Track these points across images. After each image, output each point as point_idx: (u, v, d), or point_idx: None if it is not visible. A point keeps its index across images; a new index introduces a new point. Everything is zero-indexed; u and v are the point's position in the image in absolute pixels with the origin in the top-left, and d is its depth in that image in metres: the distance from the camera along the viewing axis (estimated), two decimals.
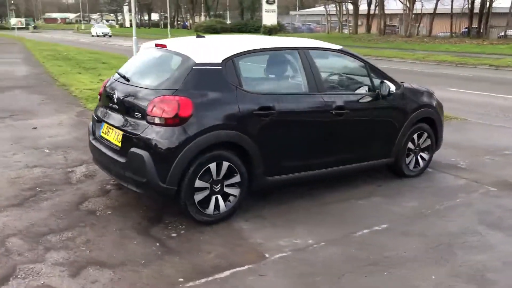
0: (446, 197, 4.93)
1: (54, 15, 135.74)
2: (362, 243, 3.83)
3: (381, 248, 3.73)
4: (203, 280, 3.18)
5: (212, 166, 3.94)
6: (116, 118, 4.20)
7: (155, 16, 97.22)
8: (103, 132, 4.37)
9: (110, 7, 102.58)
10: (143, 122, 3.88)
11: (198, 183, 3.90)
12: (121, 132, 4.03)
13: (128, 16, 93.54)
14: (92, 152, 4.62)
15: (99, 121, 4.50)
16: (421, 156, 5.56)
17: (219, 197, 4.05)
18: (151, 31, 68.92)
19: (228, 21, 66.39)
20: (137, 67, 4.51)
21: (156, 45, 4.51)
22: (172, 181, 3.79)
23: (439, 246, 3.81)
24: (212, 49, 4.23)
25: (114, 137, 4.14)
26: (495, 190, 5.15)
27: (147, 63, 4.52)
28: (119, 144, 4.05)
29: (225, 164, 4.00)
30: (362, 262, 3.50)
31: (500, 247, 3.83)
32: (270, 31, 47.24)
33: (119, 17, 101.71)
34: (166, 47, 4.36)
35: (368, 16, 42.58)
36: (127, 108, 4.09)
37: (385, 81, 4.90)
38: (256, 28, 53.48)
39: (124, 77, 4.34)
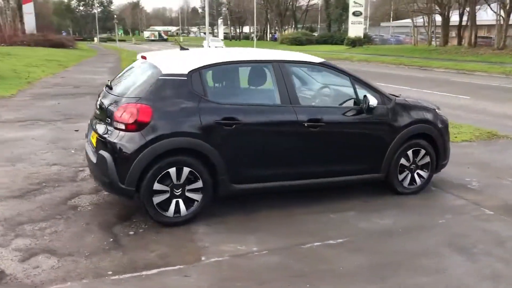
0: (429, 216, 4.74)
1: (157, 28, 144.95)
2: (305, 255, 3.84)
3: (320, 261, 3.73)
4: (128, 275, 3.42)
5: (172, 170, 4.18)
6: (97, 123, 4.61)
7: (247, 29, 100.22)
8: (91, 136, 4.81)
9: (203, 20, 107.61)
10: (111, 127, 4.23)
11: (157, 186, 4.16)
12: (96, 136, 4.43)
13: (222, 29, 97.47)
14: (86, 155, 5.09)
15: (90, 126, 4.95)
16: (418, 174, 5.36)
17: (180, 200, 4.28)
18: (239, 43, 71.13)
19: (316, 33, 66.59)
20: (123, 77, 4.90)
21: (142, 57, 4.87)
22: (130, 183, 4.09)
23: (386, 265, 3.72)
24: (182, 61, 4.49)
25: (94, 140, 4.55)
26: (492, 214, 4.84)
27: (130, 73, 4.89)
28: (95, 146, 4.45)
29: (186, 170, 4.22)
30: (291, 273, 3.53)
31: (452, 270, 3.65)
32: (354, 42, 46.68)
33: (215, 30, 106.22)
34: (146, 59, 4.71)
35: (460, 27, 40.34)
36: (104, 114, 4.48)
37: (367, 95, 4.83)
38: (341, 40, 53.11)
39: (109, 86, 4.75)
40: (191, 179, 4.27)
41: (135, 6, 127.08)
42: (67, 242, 3.92)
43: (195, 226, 4.30)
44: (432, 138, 5.33)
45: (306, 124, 4.59)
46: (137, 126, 4.08)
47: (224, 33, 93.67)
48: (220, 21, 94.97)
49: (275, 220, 4.51)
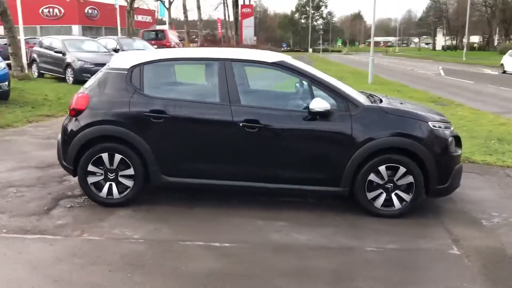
0: (360, 243, 4.05)
1: (378, 39, 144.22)
2: (172, 249, 3.83)
3: (177, 258, 3.68)
4: (13, 235, 3.98)
5: (104, 155, 4.59)
6: None
7: (474, 39, 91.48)
8: None
9: (420, 30, 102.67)
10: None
11: (91, 168, 4.62)
12: None
13: (441, 39, 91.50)
14: None
15: None
16: (397, 195, 4.59)
17: (113, 184, 4.66)
18: (447, 53, 65.79)
19: None
20: None
21: None
22: (69, 162, 4.66)
23: (234, 275, 3.45)
24: (131, 57, 4.85)
25: None
26: (471, 259, 3.83)
27: None
28: None
29: (118, 156, 4.59)
30: (133, 261, 3.59)
31: None
32: None
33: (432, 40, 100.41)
34: None
35: None
36: None
37: (316, 98, 4.40)
38: None
39: None
40: (123, 165, 4.61)
41: (356, 17, 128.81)
42: (12, 203, 4.70)
43: (121, 210, 4.61)
44: (417, 155, 4.49)
45: (241, 125, 4.45)
46: (75, 112, 4.64)
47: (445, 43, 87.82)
48: (439, 30, 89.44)
49: (191, 216, 4.51)
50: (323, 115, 4.44)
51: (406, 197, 4.60)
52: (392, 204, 4.60)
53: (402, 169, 4.53)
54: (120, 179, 4.65)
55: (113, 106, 4.59)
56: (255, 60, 4.75)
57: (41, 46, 16.82)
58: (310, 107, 4.37)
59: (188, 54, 4.98)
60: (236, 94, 4.55)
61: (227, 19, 55.47)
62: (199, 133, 4.56)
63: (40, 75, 16.67)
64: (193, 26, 51.04)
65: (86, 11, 45.14)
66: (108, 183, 4.66)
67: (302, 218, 4.54)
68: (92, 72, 14.27)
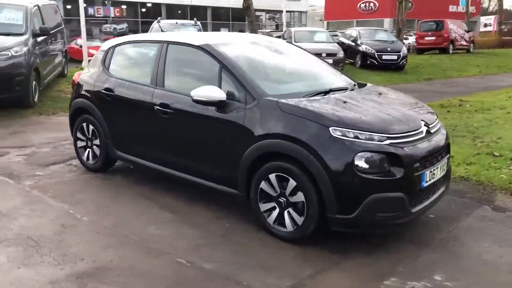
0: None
1: None
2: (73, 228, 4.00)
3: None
4: None
5: (85, 125, 5.26)
6: None
7: None
8: None
9: None
10: None
11: (78, 134, 5.37)
12: None
13: None
14: None
15: None
16: (289, 214, 3.69)
17: (90, 150, 5.31)
18: None
19: None
20: None
21: None
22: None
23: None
24: (113, 40, 5.30)
25: None
26: None
27: None
28: None
29: (91, 127, 5.21)
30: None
31: None
32: None
33: None
34: None
35: None
36: None
37: (205, 86, 3.93)
38: None
39: None
40: (95, 136, 5.20)
41: None
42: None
43: (87, 174, 5.28)
44: (304, 166, 3.48)
45: (155, 108, 4.41)
46: (73, 85, 5.49)
47: None
48: None
49: (121, 199, 4.61)
50: (217, 105, 3.93)
51: (298, 219, 3.62)
52: (284, 224, 3.70)
53: (292, 183, 3.59)
54: (94, 147, 5.28)
55: (87, 82, 5.24)
56: (183, 43, 4.52)
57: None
58: (191, 94, 3.96)
59: (147, 37, 5.13)
60: (162, 77, 4.49)
61: None
62: (132, 114, 4.74)
63: None
64: None
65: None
66: (87, 150, 5.37)
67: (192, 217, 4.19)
68: None
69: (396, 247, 3.68)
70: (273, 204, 3.75)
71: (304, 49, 5.16)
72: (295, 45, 5.61)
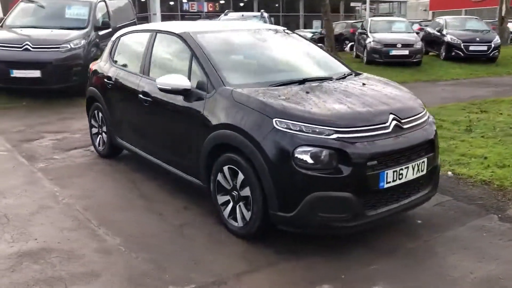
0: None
1: None
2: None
3: None
4: None
5: (96, 112, 5.50)
6: None
7: None
8: None
9: None
10: None
11: (92, 122, 5.66)
12: None
13: None
14: None
15: None
16: (240, 209, 3.53)
17: (101, 135, 5.52)
18: None
19: None
20: None
21: None
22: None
23: None
24: (124, 29, 5.41)
25: None
26: None
27: None
28: None
29: (100, 115, 5.44)
30: None
31: None
32: None
33: None
34: None
35: None
36: None
37: (170, 75, 3.88)
38: None
39: None
40: (103, 123, 5.42)
41: None
42: None
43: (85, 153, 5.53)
44: (251, 160, 3.30)
45: (139, 97, 4.46)
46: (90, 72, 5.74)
47: None
48: None
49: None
50: (182, 94, 3.87)
51: (246, 215, 3.45)
52: (236, 219, 3.55)
53: (241, 176, 3.42)
54: (103, 134, 5.49)
55: (97, 71, 5.44)
56: (166, 31, 4.49)
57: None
58: (156, 82, 3.93)
59: (144, 27, 5.15)
60: (148, 65, 4.53)
61: None
62: (125, 102, 4.85)
63: (357, 57, 17.72)
64: None
65: None
66: (99, 136, 5.60)
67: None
68: (382, 53, 14.46)
69: (350, 252, 3.35)
70: (228, 197, 3.61)
71: (308, 39, 4.89)
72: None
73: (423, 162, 3.46)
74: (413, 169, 3.38)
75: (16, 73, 8.77)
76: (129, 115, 4.83)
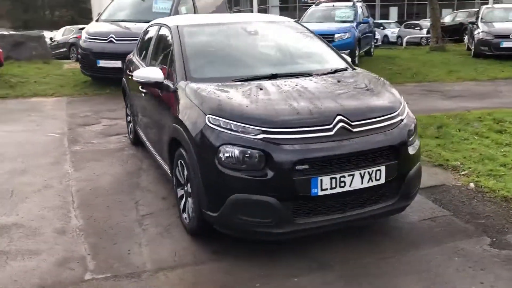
0: None
1: None
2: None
3: None
4: None
5: (126, 101, 5.88)
6: None
7: None
8: None
9: None
10: None
11: (127, 110, 6.03)
12: None
13: None
14: None
15: None
16: (188, 204, 3.53)
17: (130, 125, 5.87)
18: None
19: None
20: None
21: None
22: None
23: None
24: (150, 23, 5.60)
25: None
26: None
27: None
28: None
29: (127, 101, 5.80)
30: None
31: None
32: None
33: None
34: None
35: None
36: None
37: (146, 68, 4.00)
38: None
39: None
40: None
41: None
42: None
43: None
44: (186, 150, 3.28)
45: (139, 87, 4.64)
46: None
47: None
48: None
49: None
50: (156, 86, 3.98)
51: (190, 211, 3.42)
52: (189, 215, 3.54)
53: (186, 171, 3.40)
54: (131, 122, 5.80)
55: (126, 61, 5.76)
56: (165, 24, 4.55)
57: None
58: (133, 74, 4.05)
59: (159, 21, 5.22)
60: (150, 57, 4.71)
61: None
62: (135, 92, 5.05)
63: (468, 49, 16.10)
64: None
65: None
66: (130, 124, 5.90)
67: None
68: (492, 45, 13.02)
69: (280, 260, 3.14)
70: (182, 192, 3.62)
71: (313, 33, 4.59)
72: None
73: (379, 170, 3.08)
74: (362, 177, 3.03)
75: (102, 63, 9.67)
76: (137, 105, 5.06)
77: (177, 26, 4.22)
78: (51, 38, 21.73)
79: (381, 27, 30.09)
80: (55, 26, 32.74)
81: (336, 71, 3.94)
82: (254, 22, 4.54)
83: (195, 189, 3.23)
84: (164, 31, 4.54)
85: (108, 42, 9.58)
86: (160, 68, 4.07)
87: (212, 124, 3.07)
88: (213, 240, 3.36)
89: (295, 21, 4.76)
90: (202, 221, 3.26)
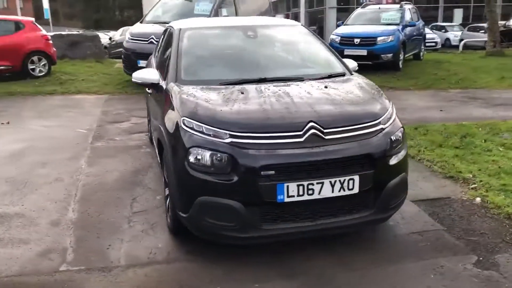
0: None
1: None
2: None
3: None
4: None
5: None
6: None
7: None
8: None
9: None
10: None
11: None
12: None
13: None
14: None
15: None
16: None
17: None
18: None
19: None
20: None
21: None
22: None
23: None
24: None
25: None
26: None
27: None
28: None
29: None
30: None
31: None
32: None
33: None
34: None
35: None
36: None
37: (144, 69, 4.13)
38: None
39: None
40: None
41: None
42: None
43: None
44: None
45: (147, 89, 4.80)
46: None
47: None
48: None
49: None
50: (152, 87, 4.14)
51: (170, 210, 3.50)
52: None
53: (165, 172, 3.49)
54: None
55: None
56: (172, 26, 4.66)
57: None
58: (132, 75, 4.18)
59: (171, 23, 5.31)
60: (160, 58, 4.84)
61: None
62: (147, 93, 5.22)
63: None
64: None
65: None
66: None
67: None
68: None
69: (246, 265, 3.13)
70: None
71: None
72: None
73: (352, 179, 3.00)
74: (333, 185, 2.97)
75: (142, 63, 9.94)
76: (148, 104, 5.23)
77: (180, 29, 4.32)
78: (110, 38, 22.75)
79: (443, 30, 28.90)
80: (124, 26, 34.21)
81: (330, 76, 3.88)
82: (258, 26, 4.54)
83: (171, 190, 3.30)
84: (170, 33, 4.65)
85: (148, 43, 9.88)
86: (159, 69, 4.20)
87: (186, 126, 3.12)
88: (190, 241, 3.40)
89: (302, 25, 4.71)
90: (178, 221, 3.32)
